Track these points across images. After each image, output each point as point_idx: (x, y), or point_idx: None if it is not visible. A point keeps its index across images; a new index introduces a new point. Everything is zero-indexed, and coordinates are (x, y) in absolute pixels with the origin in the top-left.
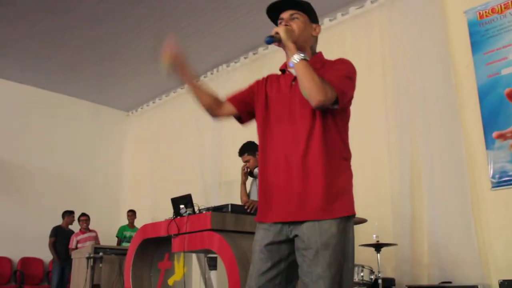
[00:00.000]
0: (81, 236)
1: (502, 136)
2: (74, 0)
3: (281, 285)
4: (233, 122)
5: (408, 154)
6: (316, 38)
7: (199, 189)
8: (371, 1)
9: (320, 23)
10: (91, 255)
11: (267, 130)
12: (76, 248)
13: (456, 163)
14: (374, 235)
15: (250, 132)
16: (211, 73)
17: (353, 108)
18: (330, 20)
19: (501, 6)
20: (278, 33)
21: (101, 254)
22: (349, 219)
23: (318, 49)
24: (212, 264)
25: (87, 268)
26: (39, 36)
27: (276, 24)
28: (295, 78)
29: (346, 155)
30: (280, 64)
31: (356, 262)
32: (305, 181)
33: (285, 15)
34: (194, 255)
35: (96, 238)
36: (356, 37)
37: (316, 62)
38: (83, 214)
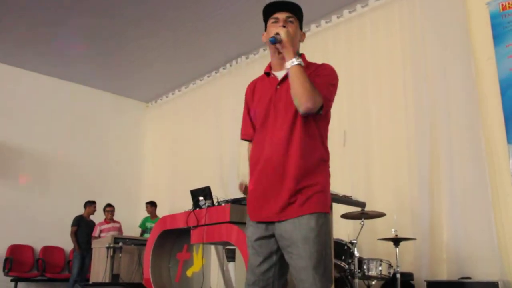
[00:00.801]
0: (104, 226)
1: None
2: None
3: (275, 276)
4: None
5: (428, 147)
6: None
7: (218, 180)
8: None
9: (339, 14)
10: (111, 245)
11: (256, 134)
12: (99, 237)
13: (476, 157)
14: (393, 229)
15: None
16: (230, 65)
17: (373, 102)
18: (350, 12)
19: None
20: (279, 34)
21: (120, 244)
22: (326, 215)
23: (336, 43)
24: (230, 256)
25: (107, 257)
26: (60, 29)
27: (266, 20)
28: (280, 82)
29: (325, 157)
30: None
31: (374, 256)
32: (284, 184)
33: (282, 15)
34: (212, 247)
35: (119, 229)
36: (376, 29)
37: (321, 68)
38: (109, 205)
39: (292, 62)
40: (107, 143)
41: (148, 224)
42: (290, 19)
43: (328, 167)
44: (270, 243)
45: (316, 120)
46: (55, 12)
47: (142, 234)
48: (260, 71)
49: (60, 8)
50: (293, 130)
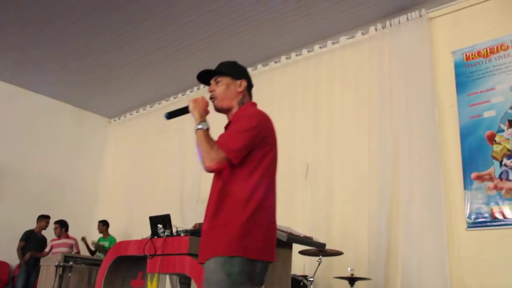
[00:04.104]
0: (56, 242)
1: (480, 178)
2: (67, 6)
3: None
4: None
5: (388, 188)
6: (244, 92)
7: (177, 203)
8: (362, 32)
9: (310, 49)
10: (61, 264)
11: None
12: (50, 253)
13: (434, 200)
14: (349, 268)
15: None
16: (198, 89)
17: (337, 138)
18: (320, 48)
19: (487, 50)
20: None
21: (71, 263)
22: (231, 258)
23: (305, 76)
24: (185, 282)
25: (56, 276)
26: (27, 39)
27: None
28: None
29: (251, 199)
30: (267, 85)
31: None
32: (204, 230)
33: (212, 81)
34: (167, 275)
35: (72, 246)
36: (345, 66)
37: (235, 117)
38: (55, 222)
39: (195, 128)
40: (67, 157)
41: (101, 243)
42: (217, 79)
43: (254, 207)
44: None
45: (234, 167)
46: (12, 15)
47: (93, 253)
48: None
49: (25, 15)
50: (217, 181)
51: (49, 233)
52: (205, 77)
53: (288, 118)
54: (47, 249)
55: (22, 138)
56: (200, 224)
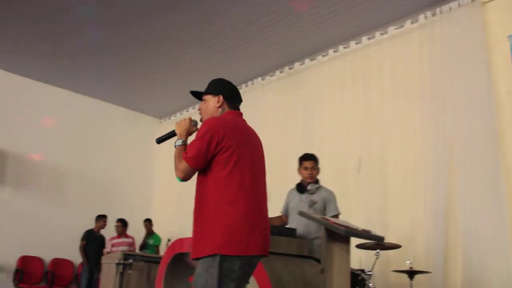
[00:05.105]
0: (115, 240)
1: None
2: (119, 8)
3: None
4: (267, 139)
5: (445, 179)
6: (223, 105)
7: None
8: (411, 21)
9: (357, 41)
10: (121, 262)
11: None
12: (111, 251)
13: (494, 192)
14: (408, 261)
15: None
16: (246, 86)
17: (390, 131)
18: (369, 39)
19: None
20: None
21: (130, 261)
22: (216, 256)
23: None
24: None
25: (116, 274)
26: (79, 45)
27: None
28: None
29: (223, 198)
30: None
31: (387, 287)
32: (192, 232)
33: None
34: None
35: (131, 245)
36: (394, 57)
37: None
38: (117, 220)
39: (174, 143)
40: (121, 158)
41: (148, 241)
42: (203, 98)
43: (231, 206)
44: None
45: (206, 171)
46: (69, 25)
47: (141, 249)
48: (274, 94)
49: (74, 21)
50: (197, 186)
51: (106, 231)
52: (199, 96)
53: (338, 112)
54: (107, 249)
55: (80, 142)
56: None
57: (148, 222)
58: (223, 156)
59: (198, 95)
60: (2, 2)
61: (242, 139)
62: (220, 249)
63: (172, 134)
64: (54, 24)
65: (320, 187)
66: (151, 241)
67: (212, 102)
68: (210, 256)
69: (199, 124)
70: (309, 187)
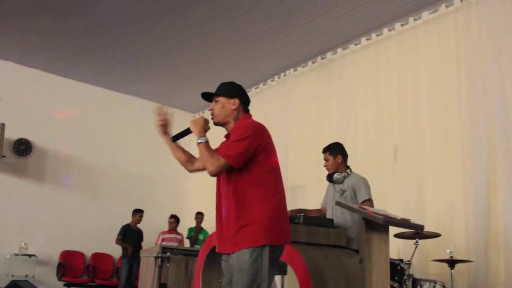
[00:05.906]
0: (166, 235)
1: None
2: (149, 1)
3: None
4: (301, 131)
5: (484, 164)
6: (238, 108)
7: None
8: (445, 5)
9: (390, 28)
10: (159, 255)
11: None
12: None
13: None
14: (448, 250)
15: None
16: (278, 77)
17: (426, 117)
18: (402, 25)
19: None
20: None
21: (168, 254)
22: (261, 248)
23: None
24: (281, 269)
25: (155, 267)
26: (110, 41)
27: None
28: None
29: (261, 197)
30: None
31: (427, 277)
32: (224, 227)
33: (213, 100)
34: None
35: (180, 242)
36: (430, 42)
37: (233, 130)
38: (171, 216)
39: (197, 142)
40: (156, 153)
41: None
42: (216, 99)
43: (268, 203)
44: (229, 265)
45: (241, 172)
46: (100, 21)
47: (192, 245)
48: (307, 85)
49: (104, 17)
50: (228, 187)
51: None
52: (208, 97)
53: (372, 100)
54: (158, 241)
55: (114, 138)
56: (291, 211)
57: (200, 215)
58: (261, 156)
59: (207, 96)
60: None
61: (271, 139)
62: (268, 240)
63: (187, 132)
64: (86, 19)
65: (348, 175)
66: (201, 236)
67: (228, 105)
68: (258, 247)
69: (211, 123)
70: (334, 178)
